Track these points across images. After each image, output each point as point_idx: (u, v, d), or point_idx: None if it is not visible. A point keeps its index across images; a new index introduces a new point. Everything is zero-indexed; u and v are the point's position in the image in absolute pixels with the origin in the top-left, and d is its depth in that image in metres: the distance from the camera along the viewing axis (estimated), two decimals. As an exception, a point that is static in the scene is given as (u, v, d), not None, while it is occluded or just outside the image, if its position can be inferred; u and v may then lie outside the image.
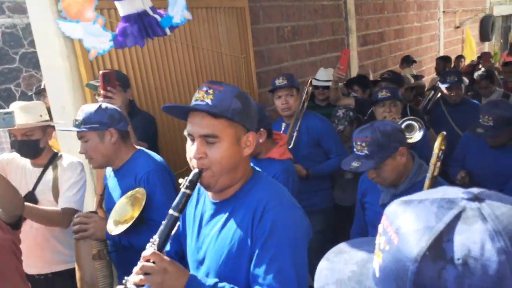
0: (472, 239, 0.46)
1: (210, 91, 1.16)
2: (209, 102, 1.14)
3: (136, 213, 1.66)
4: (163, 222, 1.15)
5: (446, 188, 0.55)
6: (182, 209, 1.16)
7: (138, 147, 1.99)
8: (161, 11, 2.07)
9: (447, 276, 0.46)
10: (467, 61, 8.84)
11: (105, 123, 1.83)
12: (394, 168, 1.76)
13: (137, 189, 1.76)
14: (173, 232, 1.15)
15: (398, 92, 2.87)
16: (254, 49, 3.88)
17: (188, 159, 1.22)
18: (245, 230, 1.18)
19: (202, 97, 1.16)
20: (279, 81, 2.80)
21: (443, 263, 0.47)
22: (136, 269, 1.10)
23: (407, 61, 5.90)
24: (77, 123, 1.81)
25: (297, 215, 1.22)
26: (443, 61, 6.18)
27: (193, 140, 1.19)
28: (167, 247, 1.33)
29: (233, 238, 1.20)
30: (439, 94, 3.83)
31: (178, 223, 1.16)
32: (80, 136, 1.85)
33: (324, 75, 3.76)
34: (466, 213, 0.49)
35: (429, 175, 1.60)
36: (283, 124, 2.87)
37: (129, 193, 1.77)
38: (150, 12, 2.00)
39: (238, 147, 1.19)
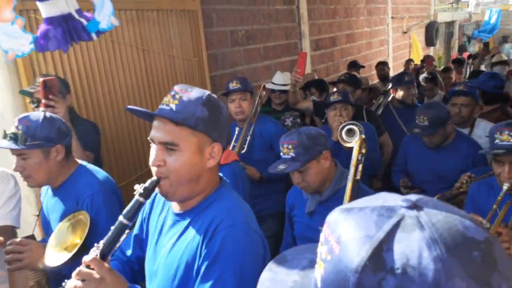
0: (411, 248, 0.47)
1: (177, 96, 1.10)
2: (173, 107, 1.09)
3: (78, 240, 1.50)
4: (111, 228, 1.10)
5: (386, 195, 0.56)
6: (132, 217, 1.10)
7: (80, 162, 1.82)
8: (88, 14, 1.97)
9: (387, 286, 0.46)
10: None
11: (52, 138, 1.61)
12: (318, 172, 1.81)
13: (79, 211, 1.59)
14: (121, 239, 1.09)
15: (349, 96, 2.93)
16: (207, 52, 3.83)
17: (150, 164, 1.17)
18: (195, 247, 1.12)
19: (168, 101, 1.11)
20: (233, 85, 2.78)
21: (383, 273, 0.47)
22: (74, 273, 1.05)
23: (355, 66, 6.04)
24: (14, 137, 1.56)
25: (251, 239, 1.13)
26: (384, 65, 6.40)
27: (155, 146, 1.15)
28: (129, 252, 1.31)
29: (184, 254, 1.14)
30: (390, 97, 3.94)
31: (128, 230, 1.11)
32: (19, 153, 1.60)
33: (280, 79, 3.77)
34: (405, 221, 0.49)
35: (350, 177, 1.63)
36: (237, 128, 2.85)
37: (70, 216, 1.59)
38: (76, 15, 1.91)
39: (201, 157, 1.13)
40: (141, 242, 1.36)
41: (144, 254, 1.34)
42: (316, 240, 0.59)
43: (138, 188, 1.11)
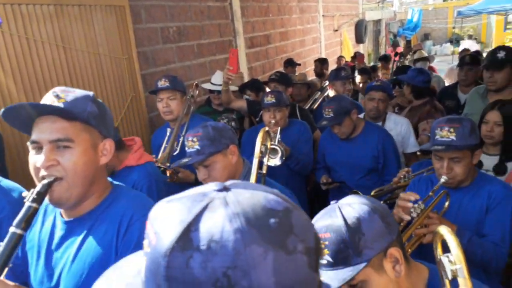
0: (215, 225, 0.49)
1: (62, 95, 1.07)
2: (61, 105, 1.06)
3: None
4: (4, 241, 1.00)
5: (209, 184, 0.58)
6: (27, 225, 1.01)
7: None
8: None
9: (194, 263, 0.48)
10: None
11: None
12: (225, 166, 1.76)
13: None
14: (15, 252, 1.00)
15: (283, 97, 2.90)
16: (137, 50, 3.67)
17: (32, 172, 1.06)
18: (108, 245, 1.10)
19: (52, 102, 1.06)
20: (161, 83, 2.67)
21: (191, 251, 0.48)
22: None
23: (291, 64, 6.13)
24: None
25: None
26: (320, 63, 6.54)
27: (39, 148, 1.05)
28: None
29: (94, 257, 1.10)
30: (327, 93, 4.04)
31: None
32: None
33: (219, 79, 3.67)
34: (213, 202, 0.52)
35: (253, 170, 1.60)
36: (168, 129, 2.74)
37: None
38: None
39: (95, 154, 1.11)
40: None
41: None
42: None
43: (29, 194, 1.03)
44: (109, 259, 1.09)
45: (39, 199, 1.02)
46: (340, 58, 7.93)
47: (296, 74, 5.70)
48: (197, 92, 3.11)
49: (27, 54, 2.67)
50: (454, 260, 0.90)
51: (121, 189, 1.21)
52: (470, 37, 16.36)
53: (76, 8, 3.03)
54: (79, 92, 1.11)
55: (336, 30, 10.03)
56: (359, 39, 11.52)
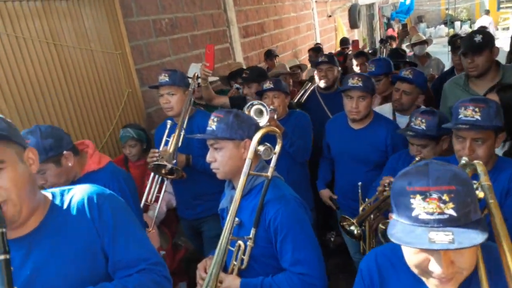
0: None
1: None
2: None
3: None
4: None
5: None
6: (6, 248, 1.00)
7: None
8: None
9: None
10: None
11: None
12: (232, 157, 1.68)
13: None
14: (11, 276, 0.99)
15: (282, 83, 2.82)
16: (130, 44, 3.58)
17: None
18: (86, 232, 1.17)
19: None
20: (161, 77, 2.59)
21: None
22: None
23: (270, 55, 5.84)
24: None
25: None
26: (315, 52, 6.36)
27: None
28: None
29: (75, 251, 1.15)
30: (316, 84, 3.87)
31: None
32: None
33: (193, 72, 3.53)
34: None
35: (245, 169, 1.60)
36: (169, 122, 2.66)
37: None
38: None
39: (24, 165, 1.12)
40: None
41: None
42: None
43: None
44: (94, 245, 1.17)
45: (1, 221, 1.03)
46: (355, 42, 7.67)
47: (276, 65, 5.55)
48: (197, 84, 3.00)
49: (18, 53, 2.58)
50: None
51: (61, 192, 1.24)
52: (487, 12, 15.84)
53: (64, 3, 2.93)
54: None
55: (330, 16, 9.91)
56: (353, 24, 11.39)
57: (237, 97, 3.52)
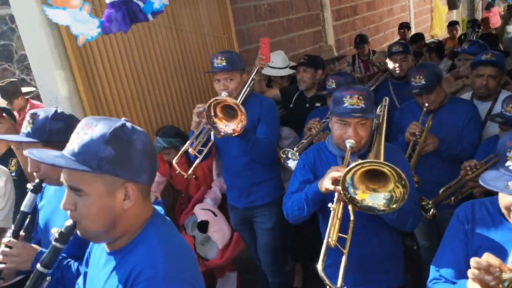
0: None
1: (80, 134, 1.03)
2: (75, 148, 1.01)
3: None
4: (30, 277, 1.15)
5: None
6: (51, 264, 1.10)
7: None
8: None
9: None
10: (437, 30, 9.00)
11: None
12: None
13: None
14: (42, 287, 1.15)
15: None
16: (235, 28, 3.94)
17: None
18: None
19: (73, 140, 1.04)
20: (217, 62, 2.34)
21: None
22: None
23: (362, 42, 5.35)
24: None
25: None
26: (402, 28, 6.09)
27: None
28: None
29: None
30: (388, 73, 3.61)
31: (49, 278, 1.16)
32: None
33: (279, 61, 3.54)
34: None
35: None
36: None
37: None
38: None
39: (112, 200, 1.04)
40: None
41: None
42: None
43: (55, 233, 1.11)
44: None
45: (61, 239, 1.11)
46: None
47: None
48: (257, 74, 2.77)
49: (149, 38, 3.06)
50: None
51: (148, 232, 1.11)
52: None
53: (184, -8, 3.36)
54: (98, 129, 1.01)
55: (426, -4, 9.46)
56: (452, 5, 10.69)
57: (286, 87, 3.47)
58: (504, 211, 1.20)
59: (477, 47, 3.23)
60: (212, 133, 2.37)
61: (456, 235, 1.36)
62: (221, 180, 2.87)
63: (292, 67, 3.69)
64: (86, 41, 2.26)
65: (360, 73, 5.14)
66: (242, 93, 2.34)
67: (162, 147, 2.78)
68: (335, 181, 1.55)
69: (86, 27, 2.20)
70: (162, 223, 1.15)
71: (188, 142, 2.35)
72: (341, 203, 1.56)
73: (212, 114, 2.14)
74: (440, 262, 1.39)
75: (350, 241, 1.51)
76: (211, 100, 2.11)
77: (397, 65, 3.34)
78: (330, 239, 1.48)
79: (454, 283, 1.33)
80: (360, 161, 1.46)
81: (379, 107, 2.31)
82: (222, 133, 2.17)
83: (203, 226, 2.66)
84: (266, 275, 2.75)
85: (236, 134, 2.15)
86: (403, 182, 1.39)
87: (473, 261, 1.01)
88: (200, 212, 2.70)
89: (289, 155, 2.48)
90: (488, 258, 0.99)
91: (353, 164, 1.45)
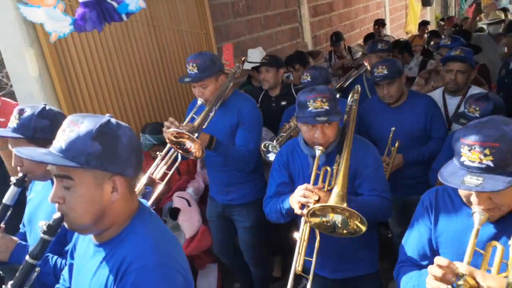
0: None
1: (67, 131, 1.05)
2: (62, 145, 1.04)
3: None
4: (20, 268, 1.17)
5: None
6: (39, 256, 1.14)
7: None
8: None
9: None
10: (412, 26, 9.20)
11: None
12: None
13: None
14: (31, 278, 1.17)
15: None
16: (213, 24, 3.96)
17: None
18: (110, 285, 1.09)
19: (59, 137, 1.07)
20: (190, 69, 2.29)
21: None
22: None
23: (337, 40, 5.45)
24: None
25: (164, 280, 1.06)
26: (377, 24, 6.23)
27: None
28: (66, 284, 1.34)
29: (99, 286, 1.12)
30: (363, 70, 3.65)
31: (38, 269, 1.18)
32: None
33: (255, 56, 3.56)
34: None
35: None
36: (199, 100, 2.34)
37: None
38: None
39: (100, 192, 1.07)
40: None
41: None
42: None
43: (43, 226, 1.13)
44: None
45: (50, 231, 1.13)
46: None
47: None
48: (239, 70, 2.68)
49: (126, 35, 3.05)
50: None
51: (136, 224, 1.15)
52: None
53: (161, -12, 3.36)
54: (84, 126, 1.04)
55: (401, -7, 9.65)
56: (425, 2, 10.94)
57: (252, 88, 3.47)
58: (464, 199, 1.28)
59: (460, 43, 3.39)
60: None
61: (421, 221, 1.46)
62: (204, 172, 2.89)
63: (253, 68, 3.65)
64: (58, 38, 2.27)
65: None
66: (216, 99, 2.27)
67: (152, 144, 2.74)
68: (302, 206, 1.65)
69: (59, 25, 2.22)
70: (149, 215, 1.19)
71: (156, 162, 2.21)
72: (308, 225, 1.70)
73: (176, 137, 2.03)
74: (407, 246, 1.50)
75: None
76: (170, 137, 2.03)
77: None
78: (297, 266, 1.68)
79: (419, 265, 1.44)
80: (323, 204, 1.59)
81: (349, 97, 2.44)
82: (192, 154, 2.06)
83: (174, 213, 2.69)
84: (245, 266, 2.82)
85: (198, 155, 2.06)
86: (363, 222, 1.54)
87: (430, 268, 1.11)
88: (176, 199, 2.74)
89: (270, 148, 2.52)
90: (439, 261, 1.08)
91: (316, 206, 1.59)
